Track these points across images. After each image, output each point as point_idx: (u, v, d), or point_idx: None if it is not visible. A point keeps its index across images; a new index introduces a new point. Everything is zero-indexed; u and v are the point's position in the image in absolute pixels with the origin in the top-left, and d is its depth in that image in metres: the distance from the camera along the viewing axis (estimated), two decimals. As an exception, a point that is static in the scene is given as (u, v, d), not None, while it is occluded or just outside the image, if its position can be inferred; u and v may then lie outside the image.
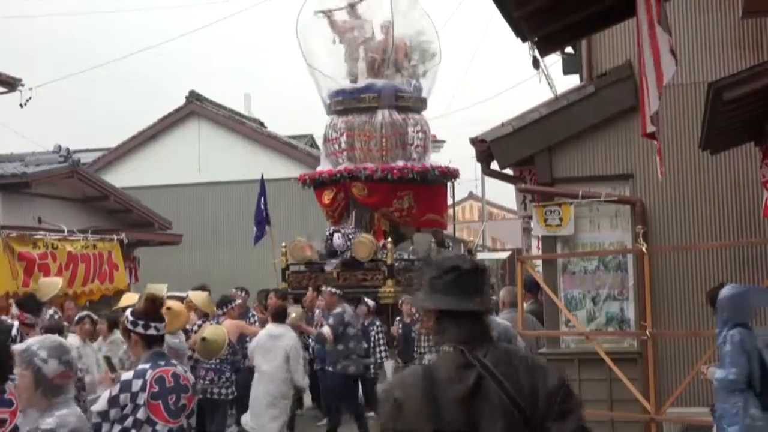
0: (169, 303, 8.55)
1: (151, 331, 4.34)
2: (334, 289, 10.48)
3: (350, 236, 13.83)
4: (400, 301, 12.07)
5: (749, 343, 5.45)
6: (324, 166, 14.75)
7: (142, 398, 4.15)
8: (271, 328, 9.02)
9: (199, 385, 8.69)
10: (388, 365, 12.12)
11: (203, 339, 8.67)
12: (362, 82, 14.45)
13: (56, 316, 8.67)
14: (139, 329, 4.32)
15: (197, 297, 9.79)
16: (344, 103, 14.44)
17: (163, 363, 4.31)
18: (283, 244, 14.00)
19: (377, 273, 13.28)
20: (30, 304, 7.89)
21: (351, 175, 13.96)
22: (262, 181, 15.25)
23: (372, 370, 11.81)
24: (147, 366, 4.25)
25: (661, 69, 4.45)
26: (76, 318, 8.57)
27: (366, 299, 12.19)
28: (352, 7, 14.80)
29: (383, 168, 13.88)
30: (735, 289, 5.71)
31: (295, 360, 8.82)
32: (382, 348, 11.80)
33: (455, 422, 2.49)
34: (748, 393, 5.46)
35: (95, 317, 8.74)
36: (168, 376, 4.26)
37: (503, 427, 2.49)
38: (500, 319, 5.39)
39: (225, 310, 9.64)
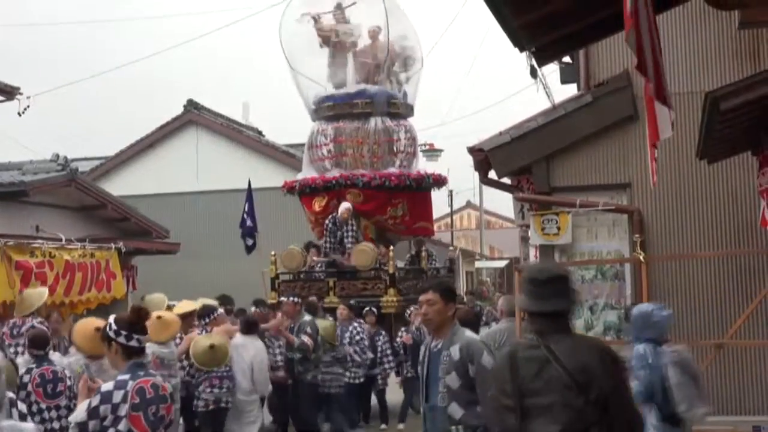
0: (161, 312, 8.41)
1: (133, 343, 4.28)
2: (296, 299, 10.49)
3: (353, 227, 13.38)
4: (408, 311, 11.91)
5: (652, 358, 5.67)
6: (307, 173, 14.32)
7: (123, 409, 4.08)
8: (237, 338, 8.99)
9: (214, 395, 8.59)
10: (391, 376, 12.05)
11: (211, 347, 8.45)
12: (354, 87, 14.13)
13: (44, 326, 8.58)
14: (122, 339, 4.26)
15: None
16: (335, 108, 14.09)
17: (142, 373, 4.25)
18: (273, 253, 13.51)
19: (378, 282, 12.81)
20: None
21: (347, 181, 13.63)
22: (249, 188, 14.96)
23: (379, 381, 11.76)
24: (127, 377, 4.20)
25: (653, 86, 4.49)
26: None
27: (372, 308, 12.06)
28: (341, 12, 14.41)
29: (381, 175, 13.60)
30: (645, 307, 6.00)
31: (258, 371, 8.85)
32: (391, 358, 11.74)
33: (529, 388, 3.42)
34: (649, 404, 5.71)
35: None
36: (148, 387, 4.20)
37: (561, 393, 3.37)
38: (469, 333, 5.13)
39: (208, 320, 9.27)
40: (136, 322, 4.36)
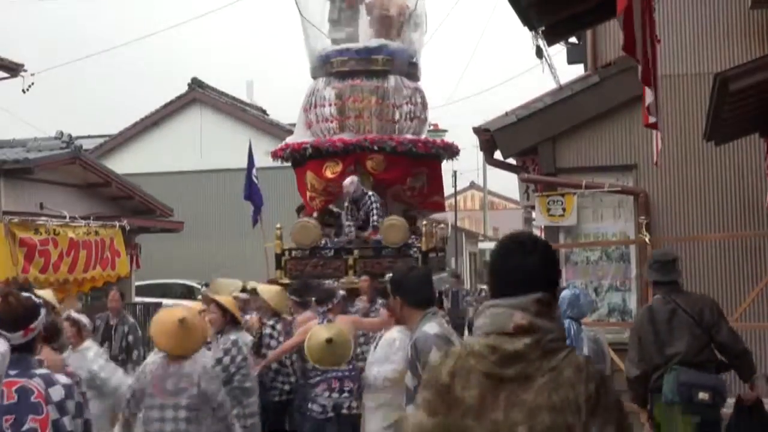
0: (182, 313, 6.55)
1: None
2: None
3: (376, 200, 11.64)
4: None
5: (574, 331, 6.70)
6: (300, 137, 12.57)
7: None
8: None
9: (333, 400, 6.93)
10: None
11: (329, 341, 6.72)
12: (374, 42, 12.44)
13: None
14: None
15: (267, 291, 8.06)
16: (349, 63, 12.31)
17: (13, 373, 3.44)
18: (278, 225, 11.78)
19: (408, 260, 11.01)
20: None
21: (372, 145, 11.86)
22: (250, 151, 13.24)
23: None
24: None
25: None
26: None
27: None
28: None
29: (408, 140, 12.07)
30: (572, 291, 6.97)
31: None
32: None
33: (664, 330, 5.39)
34: None
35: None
36: (9, 391, 3.41)
37: (688, 331, 5.31)
38: (427, 326, 4.42)
39: (329, 306, 7.59)
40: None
